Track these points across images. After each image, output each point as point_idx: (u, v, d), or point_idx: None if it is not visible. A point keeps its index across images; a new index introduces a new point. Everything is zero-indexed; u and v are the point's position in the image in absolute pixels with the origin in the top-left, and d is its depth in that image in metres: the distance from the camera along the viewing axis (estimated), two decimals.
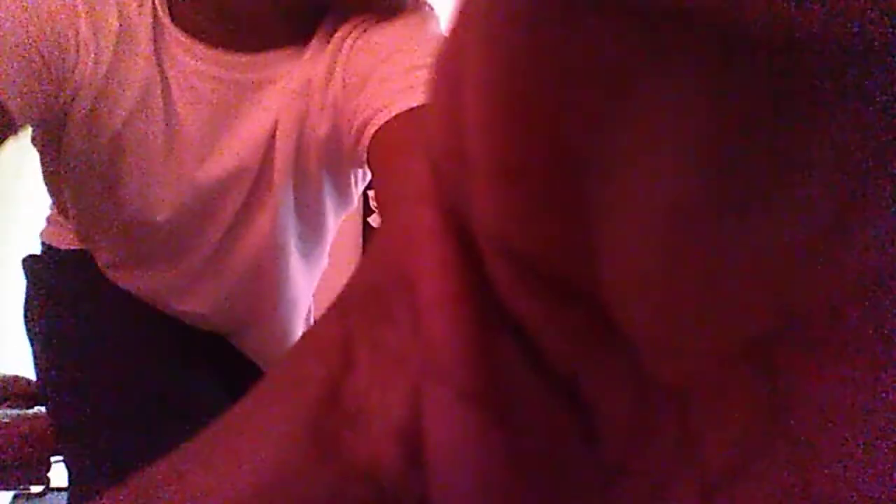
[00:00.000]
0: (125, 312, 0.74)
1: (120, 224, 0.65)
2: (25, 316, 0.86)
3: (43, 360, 0.85)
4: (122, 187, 0.60)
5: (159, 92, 0.57)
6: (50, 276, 0.82)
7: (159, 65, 0.57)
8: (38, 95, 0.51)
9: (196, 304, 0.73)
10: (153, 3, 0.56)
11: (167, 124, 0.58)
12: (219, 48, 0.57)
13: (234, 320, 0.76)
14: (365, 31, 0.56)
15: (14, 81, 0.49)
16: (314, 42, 0.58)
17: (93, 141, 0.57)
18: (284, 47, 0.58)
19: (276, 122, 0.59)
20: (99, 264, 0.74)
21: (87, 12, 0.53)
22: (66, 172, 0.62)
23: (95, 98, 0.55)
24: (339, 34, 0.57)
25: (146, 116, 0.57)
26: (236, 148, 0.60)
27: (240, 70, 0.58)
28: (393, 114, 0.50)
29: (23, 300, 0.88)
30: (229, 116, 0.59)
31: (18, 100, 0.49)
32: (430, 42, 0.55)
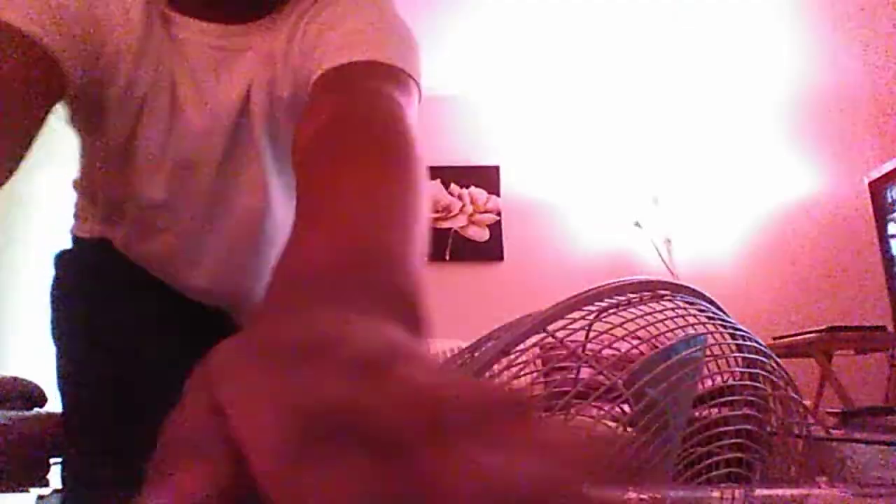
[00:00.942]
0: (140, 297, 0.82)
1: (132, 192, 0.74)
2: (54, 305, 0.90)
3: (66, 350, 0.88)
4: (139, 152, 0.70)
5: (168, 66, 0.66)
6: (75, 262, 0.89)
7: (170, 41, 0.65)
8: (82, 59, 0.60)
9: (199, 276, 0.81)
10: None
11: (171, 94, 0.67)
12: (202, 19, 0.66)
13: (233, 293, 0.84)
14: (320, 6, 0.65)
15: (64, 45, 0.56)
16: (279, 16, 0.67)
17: (123, 110, 0.66)
18: (255, 20, 0.67)
19: (250, 84, 0.67)
20: (117, 244, 0.82)
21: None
22: (96, 144, 0.72)
23: (129, 70, 0.64)
24: (298, 8, 0.66)
25: (159, 88, 0.66)
26: (217, 103, 0.68)
27: (220, 37, 0.66)
28: (324, 68, 0.59)
29: (49, 294, 0.92)
30: (213, 78, 0.68)
31: (69, 61, 0.57)
32: (372, 10, 0.65)
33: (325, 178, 0.44)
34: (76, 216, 0.93)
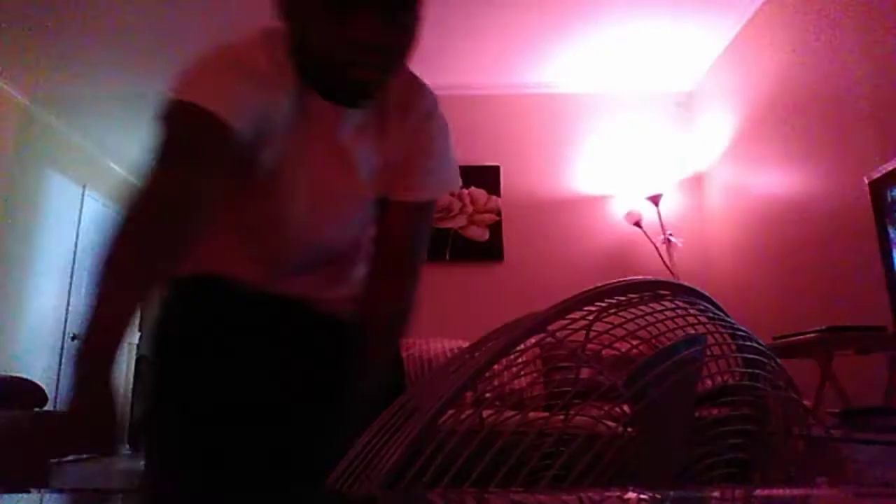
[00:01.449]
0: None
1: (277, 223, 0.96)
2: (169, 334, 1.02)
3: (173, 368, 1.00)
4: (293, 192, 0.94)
5: (302, 125, 0.91)
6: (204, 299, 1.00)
7: (308, 119, 0.91)
8: (252, 126, 0.82)
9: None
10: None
11: (319, 154, 0.94)
12: (332, 102, 0.92)
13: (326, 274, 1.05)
14: (423, 108, 1.01)
15: (245, 129, 0.81)
16: (376, 109, 0.96)
17: (276, 160, 0.89)
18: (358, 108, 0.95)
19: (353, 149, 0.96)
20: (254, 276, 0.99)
21: (278, 68, 0.87)
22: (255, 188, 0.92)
23: (285, 130, 0.88)
24: (386, 104, 0.97)
25: (306, 148, 0.92)
26: (347, 162, 0.97)
27: (341, 117, 0.93)
28: (409, 199, 0.99)
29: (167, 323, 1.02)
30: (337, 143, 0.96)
31: (246, 138, 0.82)
32: (445, 142, 1.03)
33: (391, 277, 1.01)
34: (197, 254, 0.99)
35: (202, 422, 0.93)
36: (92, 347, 0.70)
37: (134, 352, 6.28)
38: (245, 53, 0.86)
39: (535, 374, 0.75)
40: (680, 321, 0.72)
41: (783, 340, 2.33)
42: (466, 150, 4.07)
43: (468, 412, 0.67)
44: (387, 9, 0.79)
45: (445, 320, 3.16)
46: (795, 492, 0.62)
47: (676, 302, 0.74)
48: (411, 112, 0.98)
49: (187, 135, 0.79)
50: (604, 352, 0.68)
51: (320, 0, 0.79)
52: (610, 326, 0.71)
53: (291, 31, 0.87)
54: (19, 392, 3.21)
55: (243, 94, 0.81)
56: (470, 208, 3.99)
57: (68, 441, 0.74)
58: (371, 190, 0.98)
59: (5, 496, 0.45)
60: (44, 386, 3.38)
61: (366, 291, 1.02)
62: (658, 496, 0.52)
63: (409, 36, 0.84)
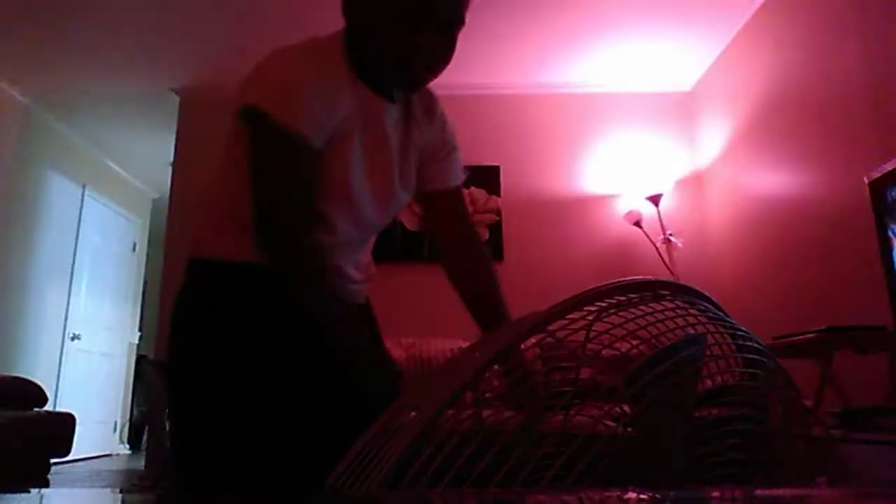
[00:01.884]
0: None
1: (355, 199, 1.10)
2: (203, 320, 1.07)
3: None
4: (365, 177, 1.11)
5: (362, 125, 1.09)
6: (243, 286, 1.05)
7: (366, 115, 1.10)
8: (326, 134, 1.03)
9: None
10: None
11: (371, 144, 1.11)
12: (381, 98, 1.12)
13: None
14: (439, 111, 1.27)
15: (320, 141, 1.02)
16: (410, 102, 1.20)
17: (346, 154, 1.06)
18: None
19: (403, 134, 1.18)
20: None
21: (337, 82, 1.06)
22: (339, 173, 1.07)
23: (356, 128, 1.08)
24: (420, 106, 1.22)
25: (360, 140, 1.08)
26: (390, 149, 1.16)
27: (389, 109, 1.13)
28: (449, 185, 1.28)
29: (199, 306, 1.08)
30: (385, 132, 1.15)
31: (321, 142, 1.03)
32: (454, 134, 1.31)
33: (469, 255, 1.26)
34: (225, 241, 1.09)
35: (237, 412, 0.99)
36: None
37: (134, 352, 6.28)
38: (320, 60, 1.05)
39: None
40: (680, 321, 0.72)
41: (783, 340, 2.33)
42: (466, 150, 4.04)
43: (468, 412, 0.67)
44: (442, 28, 1.05)
45: (445, 320, 3.16)
46: (795, 492, 0.62)
47: (676, 302, 0.74)
48: (434, 115, 1.23)
49: (284, 155, 1.00)
50: (604, 352, 0.68)
51: (395, 15, 1.01)
52: (610, 326, 0.71)
53: (360, 33, 1.07)
54: (19, 392, 3.21)
55: (321, 111, 1.01)
56: (470, 208, 3.98)
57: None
58: (405, 179, 1.17)
59: (5, 496, 0.45)
60: (44, 386, 3.38)
61: (464, 268, 1.25)
62: (658, 496, 0.52)
63: (452, 48, 1.08)
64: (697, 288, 0.77)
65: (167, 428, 2.95)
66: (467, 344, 0.86)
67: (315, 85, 1.01)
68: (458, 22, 1.07)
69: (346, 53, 1.07)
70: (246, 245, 1.01)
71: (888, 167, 2.24)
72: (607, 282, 0.71)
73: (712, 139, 3.90)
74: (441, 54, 1.06)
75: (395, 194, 1.15)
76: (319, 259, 1.03)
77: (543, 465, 0.61)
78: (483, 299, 1.22)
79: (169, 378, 1.06)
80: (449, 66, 1.11)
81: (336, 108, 1.03)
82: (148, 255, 6.36)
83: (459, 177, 1.27)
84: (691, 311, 0.74)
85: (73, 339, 5.06)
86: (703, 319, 0.74)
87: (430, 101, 1.23)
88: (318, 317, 1.02)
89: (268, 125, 0.97)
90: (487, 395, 0.70)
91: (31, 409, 3.20)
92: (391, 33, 1.01)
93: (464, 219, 1.27)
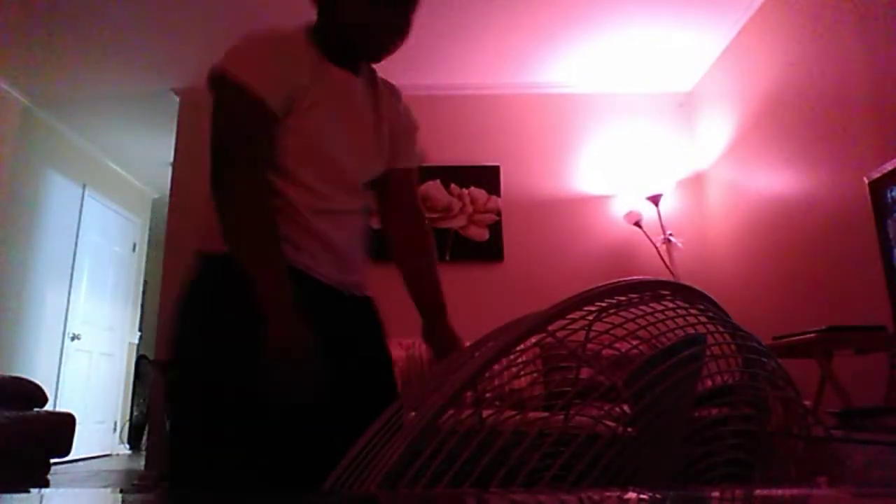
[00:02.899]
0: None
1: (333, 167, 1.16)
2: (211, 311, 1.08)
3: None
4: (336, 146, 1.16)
5: (332, 94, 1.16)
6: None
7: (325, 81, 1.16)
8: (284, 105, 1.09)
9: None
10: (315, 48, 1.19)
11: (343, 108, 1.19)
12: (341, 68, 1.20)
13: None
14: (401, 104, 1.36)
15: (278, 104, 1.08)
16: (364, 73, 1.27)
17: (317, 120, 1.12)
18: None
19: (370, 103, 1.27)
20: (308, 212, 1.12)
21: (296, 56, 1.15)
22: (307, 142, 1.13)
23: (324, 97, 1.14)
24: (383, 93, 1.31)
25: (329, 105, 1.15)
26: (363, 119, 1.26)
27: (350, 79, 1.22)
28: (403, 165, 1.33)
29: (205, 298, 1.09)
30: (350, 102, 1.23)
31: (280, 110, 1.09)
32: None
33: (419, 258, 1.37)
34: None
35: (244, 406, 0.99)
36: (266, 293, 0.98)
37: (134, 352, 6.28)
38: (281, 38, 1.15)
39: (535, 374, 0.75)
40: (680, 321, 0.72)
41: (783, 340, 2.33)
42: (466, 150, 4.07)
43: (468, 412, 0.67)
44: (400, 5, 1.16)
45: None
46: (795, 492, 0.62)
47: (676, 302, 0.74)
48: (399, 99, 1.34)
49: (236, 109, 1.07)
50: (604, 352, 0.68)
51: None
52: (610, 326, 0.71)
53: (327, 9, 1.18)
54: (19, 392, 3.21)
55: (275, 72, 1.09)
56: (470, 208, 3.99)
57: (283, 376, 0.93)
58: (379, 140, 1.25)
59: (5, 496, 0.45)
60: (44, 386, 3.38)
61: (404, 237, 1.35)
62: (658, 496, 0.52)
63: (407, 23, 1.18)
64: (697, 288, 0.77)
65: (167, 426, 2.95)
66: (468, 344, 0.86)
67: (271, 50, 1.12)
68: (413, 5, 1.18)
69: (310, 36, 1.19)
70: None
71: (888, 167, 2.24)
72: (607, 282, 0.71)
73: (712, 139, 3.90)
74: (396, 27, 1.16)
75: (371, 151, 1.23)
76: (262, 203, 1.04)
77: (543, 465, 0.61)
78: (421, 278, 1.35)
79: (170, 372, 1.06)
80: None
81: (292, 73, 1.10)
82: (148, 255, 6.37)
83: (417, 159, 1.36)
84: (691, 311, 0.74)
85: (73, 339, 5.06)
86: (703, 319, 0.74)
87: (393, 88, 1.35)
88: (251, 278, 0.99)
89: (225, 83, 1.06)
90: (488, 394, 0.70)
91: (31, 409, 3.21)
92: (354, 7, 1.14)
93: (414, 200, 1.36)
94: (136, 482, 3.82)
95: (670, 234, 3.83)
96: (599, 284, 0.70)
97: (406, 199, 1.34)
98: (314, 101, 1.11)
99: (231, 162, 1.05)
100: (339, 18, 1.16)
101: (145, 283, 6.48)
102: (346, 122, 1.17)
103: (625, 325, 0.71)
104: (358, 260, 1.20)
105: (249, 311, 0.98)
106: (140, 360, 6.44)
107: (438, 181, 3.97)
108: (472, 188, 4.00)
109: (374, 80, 1.28)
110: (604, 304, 0.71)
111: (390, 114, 1.28)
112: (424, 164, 1.34)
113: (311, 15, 1.24)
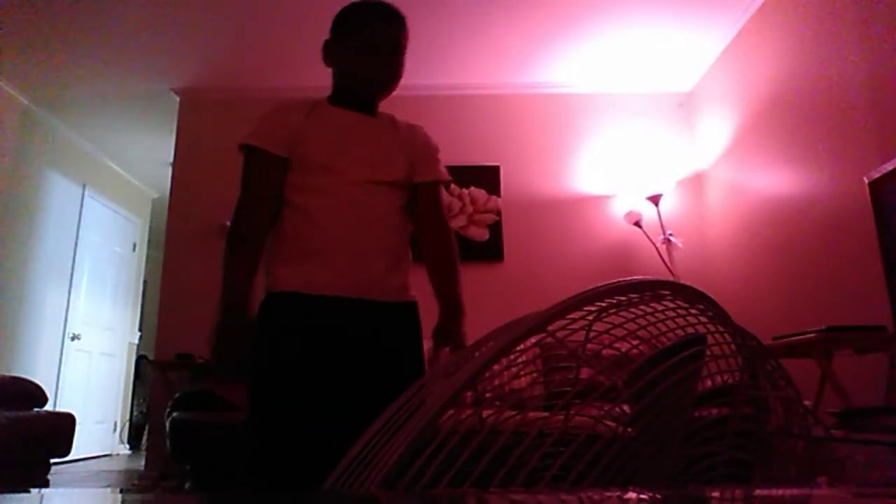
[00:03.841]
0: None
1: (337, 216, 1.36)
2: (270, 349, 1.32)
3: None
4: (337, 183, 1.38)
5: (320, 121, 1.41)
6: (290, 316, 1.32)
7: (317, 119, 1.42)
8: (283, 140, 1.36)
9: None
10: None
11: (342, 130, 1.42)
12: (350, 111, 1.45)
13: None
14: (407, 123, 1.53)
15: (282, 150, 1.36)
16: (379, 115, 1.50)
17: (314, 137, 1.37)
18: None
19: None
20: (315, 276, 1.33)
21: (294, 108, 1.42)
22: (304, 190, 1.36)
23: (308, 127, 1.39)
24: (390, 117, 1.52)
25: (321, 127, 1.40)
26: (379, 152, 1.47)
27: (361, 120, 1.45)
28: (426, 179, 1.48)
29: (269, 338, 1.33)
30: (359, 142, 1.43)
31: (279, 145, 1.36)
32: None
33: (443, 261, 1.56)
34: (275, 274, 1.37)
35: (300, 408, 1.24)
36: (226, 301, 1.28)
37: (134, 352, 6.28)
38: (286, 102, 1.42)
39: (535, 375, 0.75)
40: (680, 321, 0.72)
41: (783, 340, 2.33)
42: (466, 150, 4.07)
43: (468, 412, 0.67)
44: (392, 54, 1.41)
45: None
46: (795, 492, 0.62)
47: (676, 302, 0.74)
48: (419, 132, 1.53)
49: (248, 166, 1.38)
50: (604, 352, 0.68)
51: (352, 48, 1.40)
52: (610, 326, 0.71)
53: (334, 65, 1.45)
54: (19, 392, 3.21)
55: (273, 125, 1.38)
56: (470, 208, 3.99)
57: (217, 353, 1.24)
58: (385, 150, 1.43)
59: (5, 496, 0.45)
60: (44, 386, 3.38)
61: (434, 256, 1.52)
62: (658, 496, 0.52)
63: (399, 67, 1.43)
64: (697, 288, 0.77)
65: (167, 428, 2.94)
66: (468, 344, 0.86)
67: (272, 113, 1.41)
68: (398, 52, 1.41)
69: (328, 98, 1.45)
70: (281, 276, 1.32)
71: (888, 167, 2.24)
72: (607, 282, 0.71)
73: (712, 139, 3.90)
74: (391, 72, 1.42)
75: (378, 157, 1.41)
76: (245, 237, 1.33)
77: (543, 465, 0.61)
78: (441, 282, 1.54)
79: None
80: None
81: (288, 120, 1.38)
82: (148, 255, 6.37)
83: (441, 174, 1.51)
84: (691, 311, 0.74)
85: (73, 339, 5.06)
86: (703, 319, 0.74)
87: (415, 126, 1.55)
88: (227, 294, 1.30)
89: (242, 147, 1.38)
90: (488, 394, 0.70)
91: (31, 409, 3.21)
92: (351, 56, 1.40)
93: (438, 213, 1.50)
94: (136, 482, 3.82)
95: (670, 234, 3.83)
96: (599, 284, 0.70)
97: (431, 213, 1.49)
98: (310, 128, 1.38)
99: (237, 207, 1.35)
100: (337, 69, 1.45)
101: (145, 283, 6.48)
102: (337, 135, 1.39)
103: (625, 325, 0.71)
104: (379, 257, 1.36)
105: (276, 332, 1.29)
106: (140, 360, 6.44)
107: None
108: (472, 188, 4.00)
109: (394, 121, 1.50)
110: (604, 304, 0.71)
111: (409, 137, 1.48)
112: (449, 182, 1.53)
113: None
